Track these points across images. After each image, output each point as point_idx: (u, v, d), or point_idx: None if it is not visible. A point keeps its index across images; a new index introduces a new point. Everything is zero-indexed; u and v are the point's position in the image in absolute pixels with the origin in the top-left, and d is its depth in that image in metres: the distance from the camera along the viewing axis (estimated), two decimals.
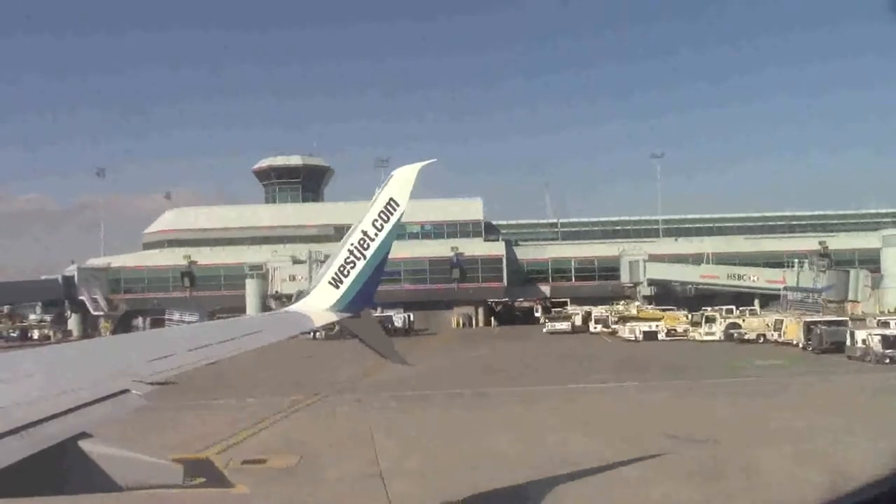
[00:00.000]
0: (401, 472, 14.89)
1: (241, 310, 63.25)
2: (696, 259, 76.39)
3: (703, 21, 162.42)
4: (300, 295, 9.20)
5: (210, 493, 13.47)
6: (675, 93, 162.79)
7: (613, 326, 53.02)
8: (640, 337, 48.24)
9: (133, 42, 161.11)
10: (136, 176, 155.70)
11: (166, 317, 52.80)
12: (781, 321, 43.89)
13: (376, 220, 8.43)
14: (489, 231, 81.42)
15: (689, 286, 72.97)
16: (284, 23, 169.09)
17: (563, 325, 58.24)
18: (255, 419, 21.79)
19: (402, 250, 72.71)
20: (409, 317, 67.44)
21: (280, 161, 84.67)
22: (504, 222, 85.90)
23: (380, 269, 8.51)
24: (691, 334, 47.80)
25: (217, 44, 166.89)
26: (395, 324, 66.98)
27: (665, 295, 72.44)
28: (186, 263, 71.48)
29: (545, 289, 78.50)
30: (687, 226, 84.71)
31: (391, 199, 8.45)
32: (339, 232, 77.58)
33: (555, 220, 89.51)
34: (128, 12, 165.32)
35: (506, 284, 73.33)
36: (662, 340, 47.83)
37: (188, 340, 5.88)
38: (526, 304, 79.47)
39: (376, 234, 8.39)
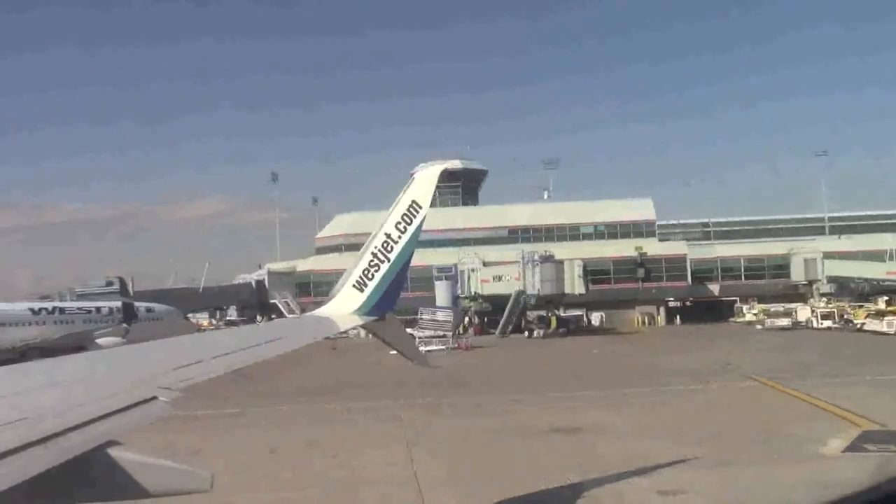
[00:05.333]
0: None
1: None
2: (868, 256, 76.48)
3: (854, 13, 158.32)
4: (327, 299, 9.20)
5: None
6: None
7: (861, 321, 53.10)
8: None
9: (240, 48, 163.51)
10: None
11: (419, 315, 54.15)
12: None
13: (399, 223, 8.32)
14: None
15: (869, 283, 72.97)
16: (417, 23, 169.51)
17: (784, 322, 58.57)
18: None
19: (581, 250, 73.69)
20: (602, 316, 68.56)
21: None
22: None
23: (403, 271, 8.42)
24: None
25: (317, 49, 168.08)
26: (592, 322, 68.17)
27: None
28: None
29: (713, 287, 78.88)
30: (853, 223, 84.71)
31: (414, 201, 8.33)
32: (514, 234, 79.50)
33: (706, 220, 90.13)
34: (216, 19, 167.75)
35: (690, 283, 73.82)
36: None
37: (212, 348, 5.91)
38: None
39: (399, 237, 8.28)
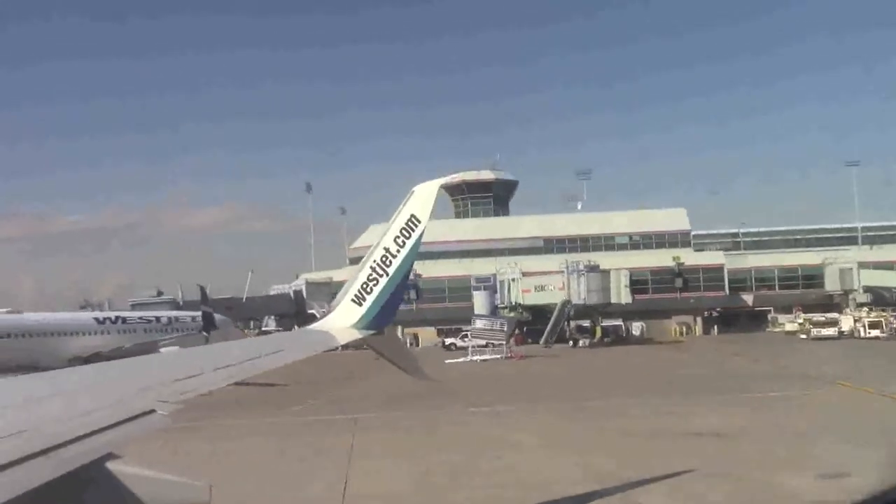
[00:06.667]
0: None
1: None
2: None
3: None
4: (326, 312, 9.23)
5: None
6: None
7: None
8: None
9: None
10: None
11: (472, 324, 54.30)
12: None
13: (398, 237, 8.33)
14: None
15: None
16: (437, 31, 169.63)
17: (830, 331, 58.63)
18: None
19: (617, 260, 73.90)
20: (643, 326, 68.66)
21: (472, 176, 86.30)
22: None
23: (402, 285, 8.46)
24: None
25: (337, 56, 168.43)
26: (634, 332, 68.23)
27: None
28: (412, 276, 72.97)
29: (747, 298, 78.91)
30: (882, 233, 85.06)
31: (412, 215, 8.33)
32: (549, 244, 79.69)
33: (736, 230, 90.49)
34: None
35: (728, 293, 73.91)
36: None
37: (212, 360, 5.91)
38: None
39: (398, 251, 8.30)
